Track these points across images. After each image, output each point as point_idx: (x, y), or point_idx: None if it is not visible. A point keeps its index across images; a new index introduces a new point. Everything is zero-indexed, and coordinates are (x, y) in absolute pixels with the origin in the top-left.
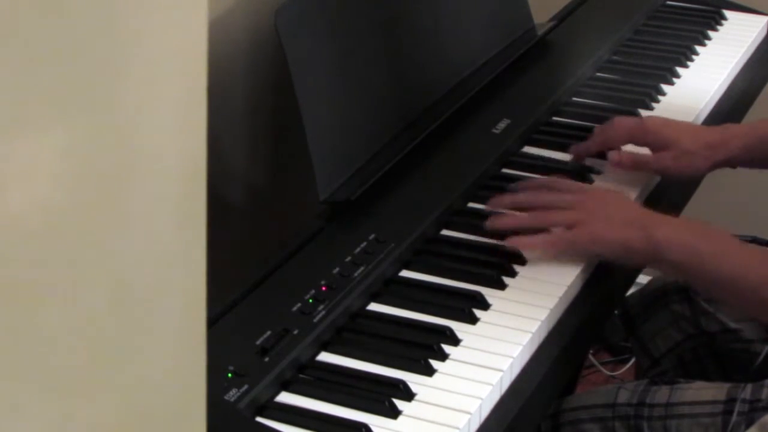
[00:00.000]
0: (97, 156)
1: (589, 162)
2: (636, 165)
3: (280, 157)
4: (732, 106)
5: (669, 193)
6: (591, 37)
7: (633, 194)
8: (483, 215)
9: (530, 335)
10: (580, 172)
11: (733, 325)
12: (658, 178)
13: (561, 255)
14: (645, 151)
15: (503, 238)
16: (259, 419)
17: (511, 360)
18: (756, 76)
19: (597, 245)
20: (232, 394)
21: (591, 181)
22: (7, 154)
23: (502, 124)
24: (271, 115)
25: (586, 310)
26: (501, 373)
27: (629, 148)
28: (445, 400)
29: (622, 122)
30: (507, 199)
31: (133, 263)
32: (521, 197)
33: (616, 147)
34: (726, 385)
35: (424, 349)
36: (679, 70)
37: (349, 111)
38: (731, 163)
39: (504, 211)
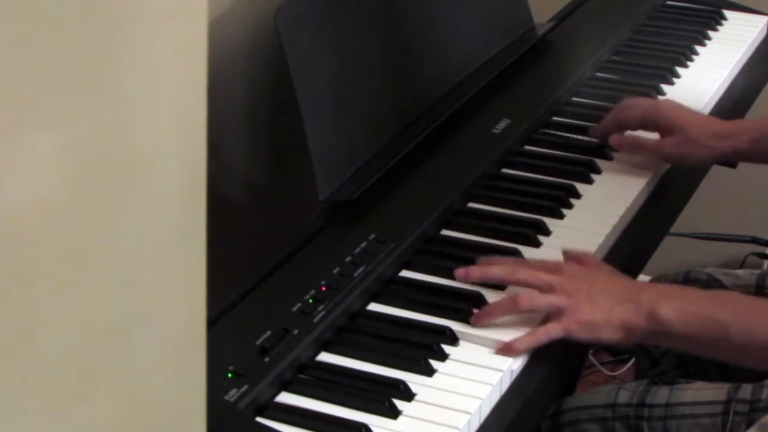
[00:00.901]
0: (97, 156)
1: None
2: (636, 148)
3: (280, 157)
4: (732, 105)
5: (674, 185)
6: (591, 37)
7: (640, 185)
8: (483, 215)
9: None
10: (586, 165)
11: None
12: (664, 170)
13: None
14: (652, 135)
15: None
16: (259, 419)
17: (510, 360)
18: (756, 76)
19: (591, 332)
20: (232, 394)
21: (594, 177)
22: (7, 153)
23: (502, 124)
24: (271, 115)
25: None
26: (501, 373)
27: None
28: (445, 400)
29: (637, 102)
30: (476, 272)
31: (132, 263)
32: (495, 272)
33: (631, 127)
34: (726, 386)
35: (424, 349)
36: (679, 70)
37: (349, 111)
38: (737, 155)
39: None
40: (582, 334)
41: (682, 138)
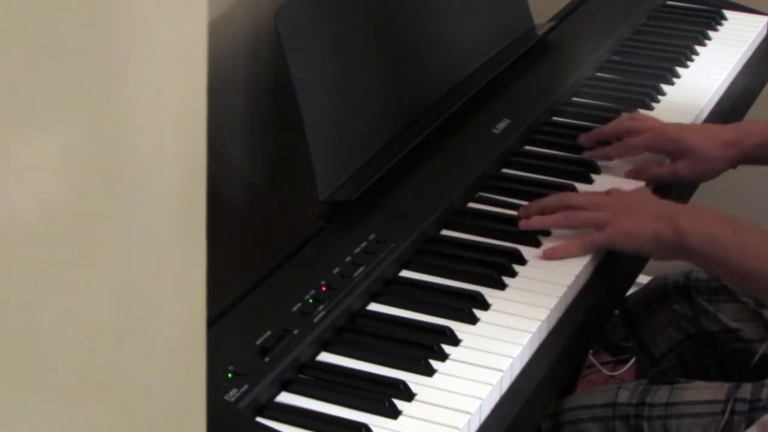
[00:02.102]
0: (97, 156)
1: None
2: (653, 179)
3: (280, 157)
4: (732, 106)
5: (674, 185)
6: (591, 37)
7: (640, 185)
8: (483, 215)
9: (530, 335)
10: (586, 166)
11: (733, 324)
12: None
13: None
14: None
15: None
16: (259, 419)
17: (511, 360)
18: (756, 76)
19: (631, 241)
20: (232, 394)
21: (594, 177)
22: (7, 153)
23: (502, 124)
24: (271, 115)
25: (587, 310)
26: (501, 373)
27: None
28: (445, 400)
29: (641, 132)
30: (534, 206)
31: (133, 264)
32: (550, 200)
33: (635, 155)
34: (726, 385)
35: (424, 349)
36: (679, 70)
37: (349, 111)
38: (746, 159)
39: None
40: (625, 244)
41: (695, 158)
